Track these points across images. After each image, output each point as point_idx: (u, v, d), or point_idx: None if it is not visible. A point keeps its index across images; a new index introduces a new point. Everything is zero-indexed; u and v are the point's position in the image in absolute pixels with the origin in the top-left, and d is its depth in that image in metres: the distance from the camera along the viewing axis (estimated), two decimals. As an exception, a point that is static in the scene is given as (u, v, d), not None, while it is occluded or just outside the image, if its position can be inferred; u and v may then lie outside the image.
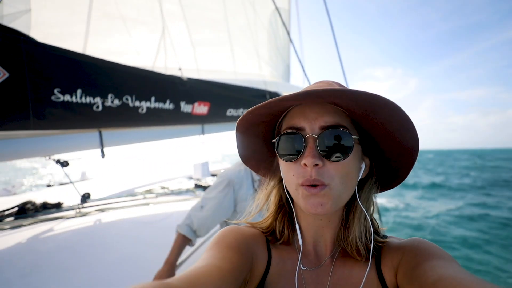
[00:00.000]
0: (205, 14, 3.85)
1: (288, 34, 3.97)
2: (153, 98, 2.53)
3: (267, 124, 0.68)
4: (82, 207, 2.78)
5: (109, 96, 2.21)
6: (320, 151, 0.58)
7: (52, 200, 2.91)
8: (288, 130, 0.62)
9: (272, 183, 0.75)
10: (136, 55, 3.06)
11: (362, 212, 0.64)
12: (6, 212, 2.58)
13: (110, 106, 2.23)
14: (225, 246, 0.63)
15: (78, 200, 2.88)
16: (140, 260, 1.94)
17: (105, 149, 2.40)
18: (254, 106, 0.60)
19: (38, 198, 3.03)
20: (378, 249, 0.65)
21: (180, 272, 1.73)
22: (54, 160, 2.49)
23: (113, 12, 2.77)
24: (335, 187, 0.57)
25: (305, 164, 0.57)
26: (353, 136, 0.58)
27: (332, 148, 0.57)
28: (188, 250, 1.87)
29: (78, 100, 2.04)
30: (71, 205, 2.84)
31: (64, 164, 2.55)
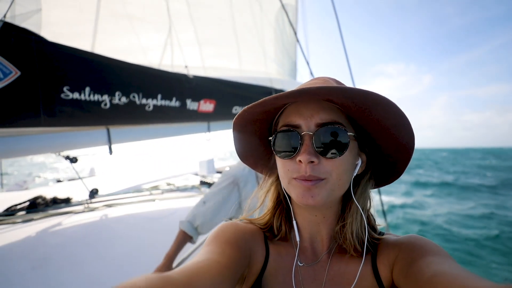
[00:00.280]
0: (212, 12, 3.86)
1: (295, 31, 3.96)
2: (159, 96, 2.56)
3: (263, 122, 0.69)
4: (90, 203, 2.85)
5: (117, 93, 2.25)
6: (316, 148, 0.58)
7: (61, 195, 2.99)
8: (284, 128, 0.62)
9: (270, 181, 0.76)
10: (142, 53, 3.09)
11: (357, 208, 0.64)
12: (18, 207, 2.66)
13: (117, 104, 2.27)
14: (224, 241, 0.64)
15: (86, 196, 2.96)
16: (145, 254, 1.99)
17: (112, 146, 2.45)
18: (250, 104, 0.60)
19: (49, 193, 3.11)
20: (374, 245, 0.66)
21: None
22: (63, 156, 2.56)
23: (121, 11, 2.81)
24: (330, 181, 0.58)
25: (300, 161, 0.58)
26: (348, 133, 0.59)
27: (328, 145, 0.58)
28: (190, 248, 1.89)
29: (87, 97, 2.09)
30: (79, 200, 2.92)
31: (73, 160, 2.61)
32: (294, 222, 0.70)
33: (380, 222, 0.74)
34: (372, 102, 0.55)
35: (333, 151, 0.58)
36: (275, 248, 0.71)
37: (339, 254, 0.67)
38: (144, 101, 2.45)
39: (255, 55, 4.70)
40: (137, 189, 3.68)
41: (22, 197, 3.00)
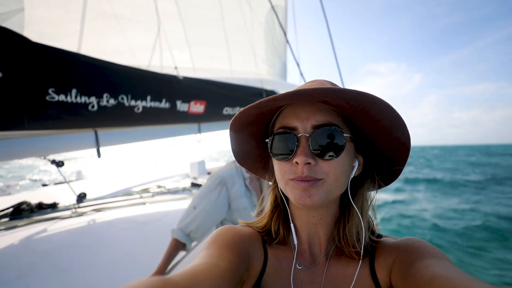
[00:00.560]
0: (201, 12, 3.83)
1: (284, 32, 3.97)
2: (149, 97, 2.52)
3: (260, 124, 0.69)
4: (78, 207, 2.77)
5: (105, 95, 2.20)
6: (313, 150, 0.58)
7: (47, 200, 2.90)
8: (280, 130, 0.62)
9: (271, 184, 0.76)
10: (131, 54, 3.04)
11: (355, 210, 0.64)
12: (1, 213, 2.56)
13: (105, 106, 2.22)
14: (223, 244, 0.64)
15: (74, 200, 2.87)
16: (136, 260, 1.94)
17: (101, 149, 2.39)
18: (246, 107, 0.61)
19: (34, 198, 3.01)
20: (372, 248, 0.66)
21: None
22: (49, 160, 2.48)
23: (108, 11, 2.75)
24: (327, 182, 0.58)
25: (296, 163, 0.58)
26: (344, 134, 0.59)
27: (325, 147, 0.58)
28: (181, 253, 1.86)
29: (73, 100, 2.03)
30: (66, 205, 2.83)
31: (60, 164, 2.53)
32: (291, 224, 0.70)
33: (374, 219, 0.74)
34: (367, 103, 0.55)
35: (330, 152, 0.58)
36: (274, 252, 0.71)
37: (337, 256, 0.67)
38: (133, 102, 2.40)
39: (246, 55, 4.69)
40: (127, 192, 3.61)
41: (5, 202, 2.89)
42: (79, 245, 2.05)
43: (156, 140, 2.91)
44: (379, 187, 0.71)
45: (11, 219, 2.47)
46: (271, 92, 4.09)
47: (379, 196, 0.72)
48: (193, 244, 1.97)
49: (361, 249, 0.64)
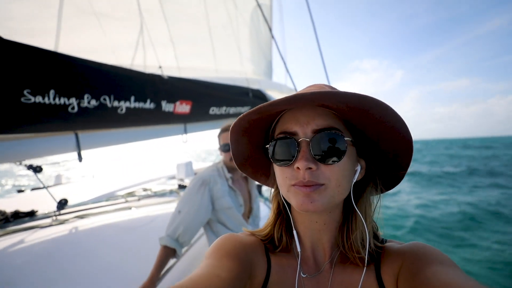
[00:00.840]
0: (185, 9, 3.75)
1: (270, 30, 3.94)
2: (132, 98, 2.43)
3: (260, 130, 0.69)
4: (59, 214, 2.62)
5: (85, 96, 2.09)
6: (314, 154, 0.58)
7: (24, 208, 2.73)
8: (281, 135, 0.62)
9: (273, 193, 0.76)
10: (111, 52, 2.92)
11: (359, 215, 0.64)
12: (-27, 224, 2.38)
13: (86, 107, 2.11)
14: (224, 254, 0.63)
15: (54, 207, 2.71)
16: (124, 270, 1.86)
17: (82, 152, 2.28)
18: (245, 113, 0.61)
19: (8, 206, 2.82)
20: (378, 254, 0.65)
21: (163, 285, 1.66)
22: (25, 165, 2.33)
23: (86, 8, 2.62)
24: (329, 187, 0.58)
25: (298, 168, 0.58)
26: (345, 138, 0.59)
27: (325, 151, 0.58)
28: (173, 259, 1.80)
29: (51, 101, 1.91)
30: (46, 212, 2.67)
31: (37, 169, 2.38)
32: (294, 231, 0.69)
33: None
34: (368, 106, 0.55)
35: (331, 157, 0.57)
36: (277, 260, 0.69)
37: (342, 263, 0.66)
38: (116, 103, 2.30)
39: (231, 54, 4.64)
40: (111, 197, 3.46)
41: None
42: (61, 256, 1.93)
43: (141, 141, 2.83)
44: (382, 191, 0.71)
45: (-16, 230, 2.30)
46: (257, 91, 4.06)
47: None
48: (183, 250, 1.92)
49: (365, 255, 0.63)
